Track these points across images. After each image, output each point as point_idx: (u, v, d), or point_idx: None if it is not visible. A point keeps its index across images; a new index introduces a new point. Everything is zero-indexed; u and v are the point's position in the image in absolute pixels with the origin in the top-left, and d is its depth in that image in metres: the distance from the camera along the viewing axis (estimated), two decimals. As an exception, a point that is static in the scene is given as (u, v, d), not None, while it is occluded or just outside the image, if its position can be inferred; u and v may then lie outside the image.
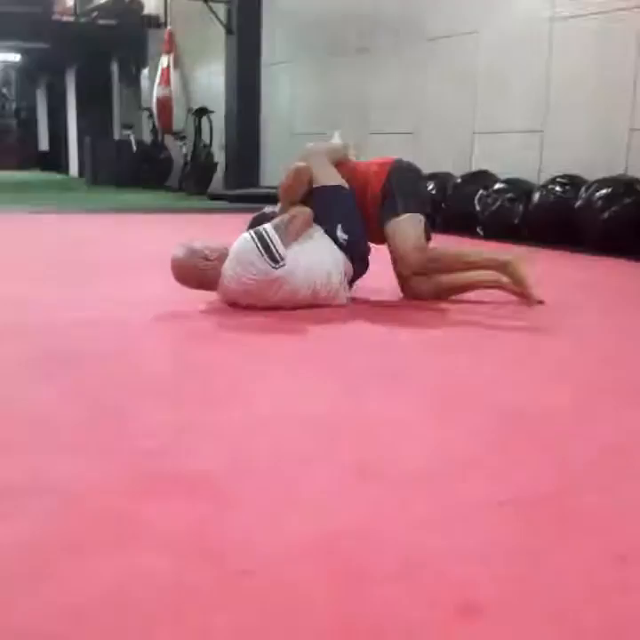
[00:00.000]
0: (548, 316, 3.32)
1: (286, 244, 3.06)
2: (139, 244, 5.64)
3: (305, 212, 3.27)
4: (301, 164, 3.41)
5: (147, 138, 13.79)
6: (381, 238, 3.47)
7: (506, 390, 2.22)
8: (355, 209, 3.43)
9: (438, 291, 3.50)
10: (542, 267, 4.98)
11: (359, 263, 3.39)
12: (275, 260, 3.00)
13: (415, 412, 2.00)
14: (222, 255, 3.12)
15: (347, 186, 3.45)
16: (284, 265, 3.02)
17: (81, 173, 16.11)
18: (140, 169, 13.19)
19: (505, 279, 3.46)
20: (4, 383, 2.16)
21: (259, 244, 3.01)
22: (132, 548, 1.27)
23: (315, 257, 3.20)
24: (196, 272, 3.15)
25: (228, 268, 3.08)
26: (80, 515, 1.38)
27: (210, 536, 1.31)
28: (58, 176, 17.79)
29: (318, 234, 3.31)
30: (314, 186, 3.40)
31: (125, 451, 1.67)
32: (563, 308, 3.47)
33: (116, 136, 14.99)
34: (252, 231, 3.10)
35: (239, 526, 1.35)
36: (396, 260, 3.44)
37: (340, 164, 3.58)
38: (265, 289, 3.07)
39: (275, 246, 3.00)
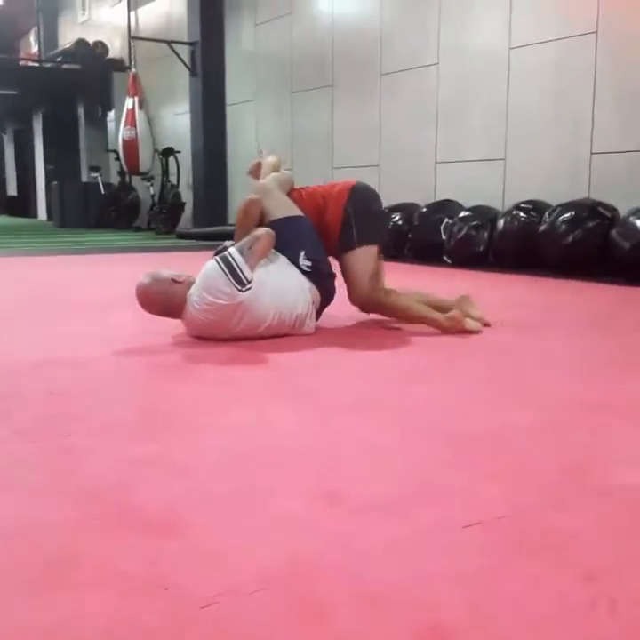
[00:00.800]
0: (512, 338, 3.32)
1: (252, 266, 3.06)
2: (108, 283, 5.59)
3: (268, 232, 3.23)
4: (251, 196, 3.41)
5: (114, 180, 13.79)
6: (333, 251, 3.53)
7: (470, 412, 2.20)
8: (315, 235, 3.42)
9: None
10: (507, 291, 5.02)
11: (325, 289, 3.37)
12: (241, 282, 2.99)
13: (381, 438, 1.96)
14: (189, 281, 3.13)
15: (303, 215, 3.43)
16: (250, 288, 3.00)
17: (50, 217, 16.05)
18: (108, 210, 13.19)
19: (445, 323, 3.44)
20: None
21: (224, 268, 3.00)
22: (78, 585, 1.21)
23: (281, 283, 3.18)
24: (162, 297, 3.13)
25: (193, 293, 3.07)
26: (24, 553, 1.32)
27: (164, 571, 1.26)
28: (26, 220, 17.70)
29: (282, 261, 3.29)
30: (271, 219, 3.36)
31: (77, 488, 1.61)
32: (527, 330, 3.48)
33: (84, 178, 14.98)
34: (217, 257, 3.10)
35: (196, 560, 1.29)
36: (349, 292, 3.54)
37: (295, 190, 3.59)
38: (229, 316, 3.03)
39: (240, 269, 3.00)
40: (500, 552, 1.32)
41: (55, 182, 14.35)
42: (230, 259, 3.03)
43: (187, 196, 11.64)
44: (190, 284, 3.13)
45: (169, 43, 10.84)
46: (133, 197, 13.15)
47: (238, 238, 3.31)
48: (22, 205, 19.61)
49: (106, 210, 13.26)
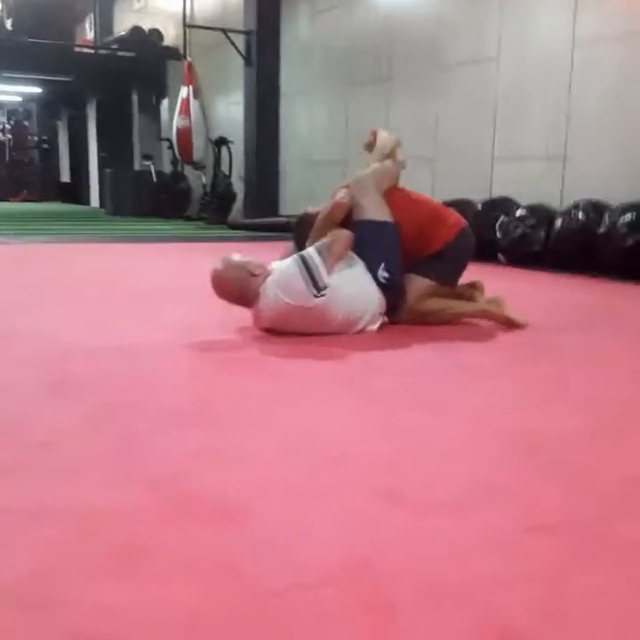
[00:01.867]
0: (569, 339, 3.25)
1: (329, 268, 3.05)
2: (165, 272, 5.65)
3: (347, 235, 3.21)
4: (341, 199, 3.33)
5: (166, 168, 13.89)
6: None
7: (530, 414, 2.16)
8: (398, 246, 3.34)
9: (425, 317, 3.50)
10: (564, 292, 4.92)
11: (393, 302, 3.35)
12: (317, 287, 2.99)
13: (441, 438, 1.94)
14: (265, 273, 3.11)
15: (392, 220, 3.35)
16: (324, 295, 3.00)
17: (102, 204, 16.24)
18: (160, 199, 13.27)
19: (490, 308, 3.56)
20: (26, 407, 2.12)
21: (304, 271, 2.99)
22: (152, 572, 1.22)
23: (355, 292, 3.17)
24: (237, 285, 3.11)
25: (268, 288, 3.05)
26: (96, 541, 1.33)
27: (232, 560, 1.26)
28: (79, 207, 17.95)
29: (359, 268, 3.24)
30: (358, 219, 3.33)
31: (142, 477, 1.62)
32: (583, 332, 3.41)
33: (136, 167, 15.11)
34: (297, 256, 3.07)
35: (262, 551, 1.29)
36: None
37: (398, 190, 3.52)
38: (300, 316, 3.03)
39: (319, 273, 2.99)
40: (563, 558, 1.31)
41: (108, 170, 14.50)
42: (310, 262, 3.01)
43: (238, 186, 11.66)
44: (266, 275, 3.10)
45: (224, 31, 10.84)
46: (185, 186, 13.22)
47: (315, 234, 3.30)
48: (75, 192, 19.87)
49: (157, 198, 13.33)
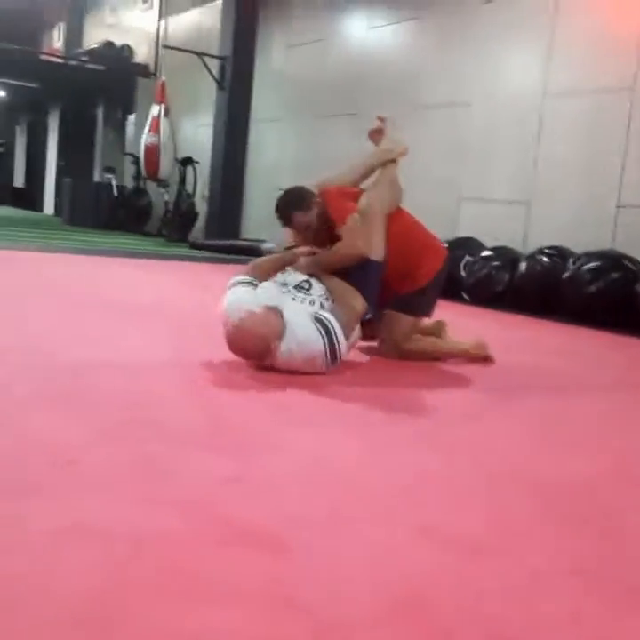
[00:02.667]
0: (547, 380, 3.39)
1: (347, 341, 3.05)
2: (138, 287, 5.63)
3: (360, 311, 3.17)
4: (356, 249, 3.24)
5: (128, 183, 13.84)
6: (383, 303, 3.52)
7: (539, 457, 2.26)
8: (378, 286, 3.35)
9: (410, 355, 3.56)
10: (525, 334, 5.09)
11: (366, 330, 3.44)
12: (335, 360, 2.97)
13: (461, 479, 2.01)
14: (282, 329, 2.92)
15: (380, 261, 3.32)
16: (338, 364, 3.01)
17: (57, 212, 16.06)
18: (119, 212, 13.23)
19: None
20: (39, 422, 2.13)
21: (327, 347, 2.91)
22: (204, 598, 1.25)
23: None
24: (265, 345, 2.88)
25: (284, 351, 2.90)
26: (142, 563, 1.35)
27: (286, 590, 1.30)
28: (32, 213, 17.68)
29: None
30: None
31: (172, 499, 1.65)
32: (563, 375, 3.56)
33: (96, 178, 15.01)
34: (322, 327, 2.93)
35: (311, 583, 1.34)
36: (385, 345, 3.55)
37: (404, 214, 3.58)
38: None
39: (340, 351, 2.96)
40: (604, 599, 1.37)
41: (68, 179, 14.37)
42: (334, 339, 2.92)
43: (200, 206, 11.70)
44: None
45: (200, 54, 10.94)
46: (146, 202, 13.21)
47: (298, 240, 3.42)
48: (28, 198, 19.60)
49: (117, 211, 13.29)
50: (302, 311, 3.03)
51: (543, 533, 1.65)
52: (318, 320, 2.96)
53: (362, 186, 3.68)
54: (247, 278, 3.19)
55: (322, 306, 3.12)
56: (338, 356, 2.98)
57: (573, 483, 2.03)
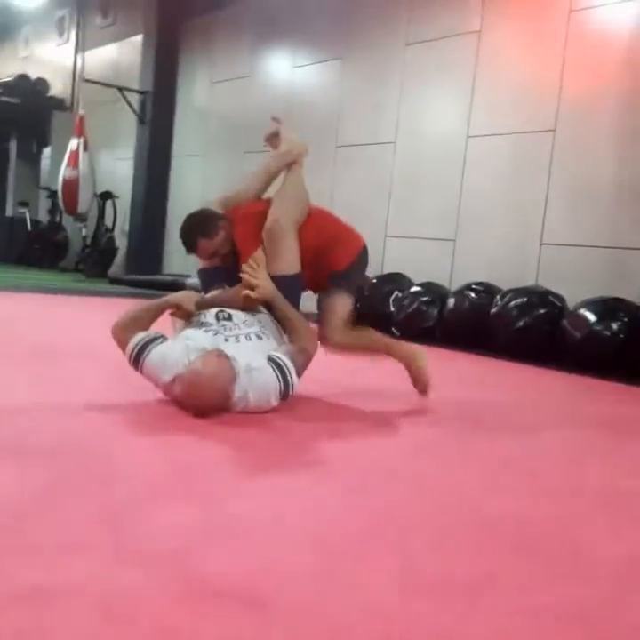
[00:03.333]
0: (490, 416, 3.42)
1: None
2: (61, 326, 5.44)
3: (311, 352, 3.15)
4: (253, 295, 3.16)
5: (42, 217, 13.48)
6: (313, 287, 3.53)
7: (500, 496, 2.25)
8: (301, 290, 3.37)
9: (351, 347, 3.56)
10: (456, 366, 5.16)
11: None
12: (286, 397, 2.94)
13: (421, 519, 1.99)
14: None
15: (299, 272, 3.30)
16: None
17: (-34, 248, 15.51)
18: (34, 248, 12.86)
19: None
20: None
21: (281, 386, 2.88)
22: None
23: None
24: (225, 395, 2.80)
25: (240, 393, 2.84)
26: (125, 623, 1.27)
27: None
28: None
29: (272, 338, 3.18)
30: (272, 274, 3.20)
31: (147, 553, 1.56)
32: (502, 410, 3.60)
33: (9, 213, 14.57)
34: (277, 369, 2.89)
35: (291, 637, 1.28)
36: (324, 331, 3.46)
37: (309, 216, 3.43)
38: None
39: (293, 389, 2.93)
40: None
41: (-22, 214, 13.93)
42: (289, 379, 2.89)
43: (120, 241, 11.50)
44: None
45: (120, 89, 10.82)
46: (62, 237, 12.88)
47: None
48: None
49: (31, 247, 12.92)
50: (250, 351, 2.94)
51: (520, 574, 1.64)
52: (272, 360, 2.91)
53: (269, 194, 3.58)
54: (150, 334, 2.97)
55: (259, 337, 3.06)
56: (289, 395, 2.94)
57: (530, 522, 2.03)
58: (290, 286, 3.28)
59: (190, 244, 3.34)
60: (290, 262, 3.28)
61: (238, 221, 3.36)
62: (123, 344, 2.98)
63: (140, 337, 2.95)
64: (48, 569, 1.44)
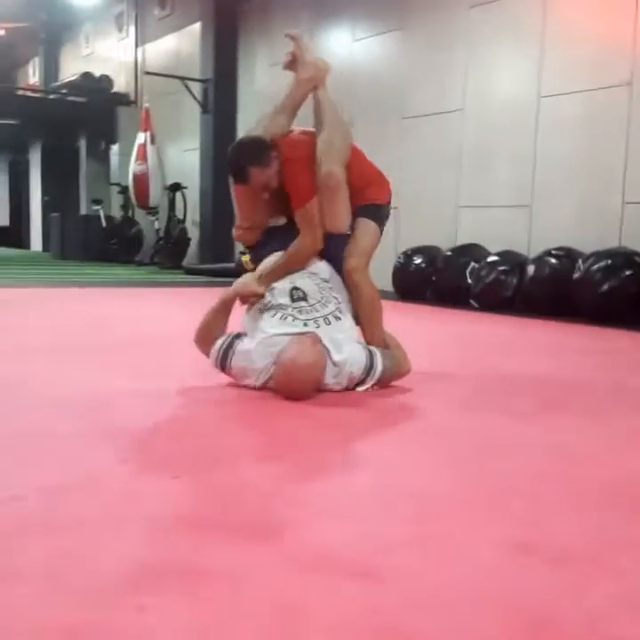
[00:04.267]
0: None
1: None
2: (144, 317, 5.52)
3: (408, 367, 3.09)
4: (312, 249, 3.03)
5: (116, 213, 13.74)
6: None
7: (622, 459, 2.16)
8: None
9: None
10: (544, 336, 5.01)
11: None
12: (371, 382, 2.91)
13: (540, 486, 1.92)
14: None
15: (348, 226, 3.12)
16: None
17: (45, 248, 15.95)
18: (110, 244, 13.12)
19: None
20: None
21: (366, 372, 2.88)
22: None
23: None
24: (319, 379, 2.79)
25: (328, 376, 2.83)
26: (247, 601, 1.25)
27: (378, 616, 1.20)
28: (19, 251, 17.54)
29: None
30: (329, 231, 3.04)
31: (262, 527, 1.55)
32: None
33: (83, 211, 14.90)
34: (369, 354, 2.91)
35: (417, 612, 1.24)
36: (350, 254, 3.11)
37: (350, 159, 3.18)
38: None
39: (372, 382, 2.92)
40: None
41: (55, 214, 14.26)
42: (376, 365, 2.89)
43: (192, 231, 11.62)
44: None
45: (182, 79, 10.89)
46: (136, 231, 13.10)
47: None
48: (13, 236, 19.46)
49: (107, 243, 13.17)
50: (334, 335, 2.85)
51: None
52: (367, 348, 2.93)
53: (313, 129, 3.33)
54: (227, 340, 2.88)
55: (337, 318, 2.92)
56: (375, 380, 2.91)
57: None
58: (342, 244, 3.10)
59: (242, 174, 3.01)
60: (345, 219, 3.11)
61: (287, 162, 3.04)
62: (208, 355, 2.95)
63: (218, 345, 2.88)
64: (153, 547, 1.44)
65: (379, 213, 3.21)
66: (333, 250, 3.07)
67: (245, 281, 3.01)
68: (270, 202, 3.11)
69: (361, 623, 1.19)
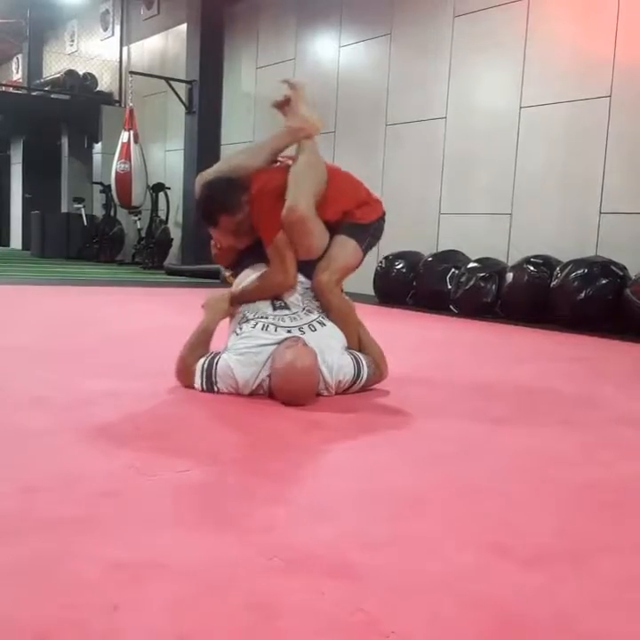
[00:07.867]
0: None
1: None
2: (128, 315, 5.54)
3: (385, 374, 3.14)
4: (282, 282, 2.99)
5: (97, 212, 13.70)
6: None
7: (600, 462, 2.23)
8: None
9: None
10: (521, 342, 5.08)
11: None
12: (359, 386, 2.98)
13: (511, 487, 1.97)
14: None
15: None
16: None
17: (25, 246, 15.87)
18: (91, 242, 13.09)
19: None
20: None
21: (355, 377, 2.95)
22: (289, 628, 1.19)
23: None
24: (317, 382, 2.82)
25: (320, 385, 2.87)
26: (224, 598, 1.29)
27: (352, 610, 1.25)
28: (-1, 248, 17.43)
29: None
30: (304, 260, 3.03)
31: (238, 524, 1.59)
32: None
33: (65, 209, 14.83)
34: (355, 360, 2.97)
35: (399, 607, 1.28)
36: (320, 271, 3.06)
37: (338, 183, 3.16)
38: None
39: (363, 380, 3.00)
40: None
41: (36, 211, 14.19)
42: (362, 371, 2.96)
43: (174, 232, 11.63)
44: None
45: (167, 79, 10.90)
46: (118, 231, 13.08)
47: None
48: (-7, 232, 19.32)
49: (88, 242, 13.15)
50: (321, 341, 2.86)
51: (612, 544, 1.62)
52: (352, 355, 2.98)
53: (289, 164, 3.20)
54: (205, 365, 2.87)
55: (321, 324, 2.94)
56: (361, 385, 2.98)
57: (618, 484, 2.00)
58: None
59: (212, 221, 2.99)
60: (317, 249, 3.05)
61: (255, 198, 2.97)
62: (190, 386, 2.90)
63: (199, 367, 2.86)
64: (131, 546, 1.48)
65: (360, 232, 3.15)
66: (310, 269, 3.07)
67: (217, 305, 3.01)
68: (244, 231, 3.04)
69: (340, 621, 1.23)
